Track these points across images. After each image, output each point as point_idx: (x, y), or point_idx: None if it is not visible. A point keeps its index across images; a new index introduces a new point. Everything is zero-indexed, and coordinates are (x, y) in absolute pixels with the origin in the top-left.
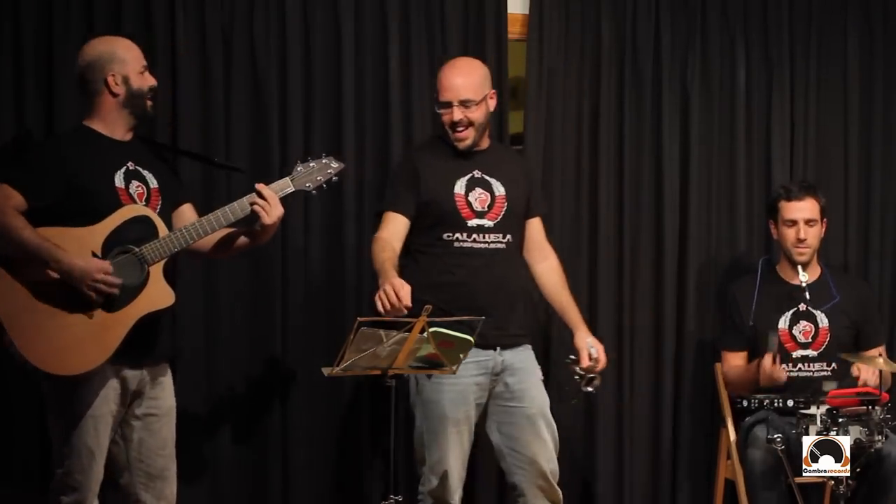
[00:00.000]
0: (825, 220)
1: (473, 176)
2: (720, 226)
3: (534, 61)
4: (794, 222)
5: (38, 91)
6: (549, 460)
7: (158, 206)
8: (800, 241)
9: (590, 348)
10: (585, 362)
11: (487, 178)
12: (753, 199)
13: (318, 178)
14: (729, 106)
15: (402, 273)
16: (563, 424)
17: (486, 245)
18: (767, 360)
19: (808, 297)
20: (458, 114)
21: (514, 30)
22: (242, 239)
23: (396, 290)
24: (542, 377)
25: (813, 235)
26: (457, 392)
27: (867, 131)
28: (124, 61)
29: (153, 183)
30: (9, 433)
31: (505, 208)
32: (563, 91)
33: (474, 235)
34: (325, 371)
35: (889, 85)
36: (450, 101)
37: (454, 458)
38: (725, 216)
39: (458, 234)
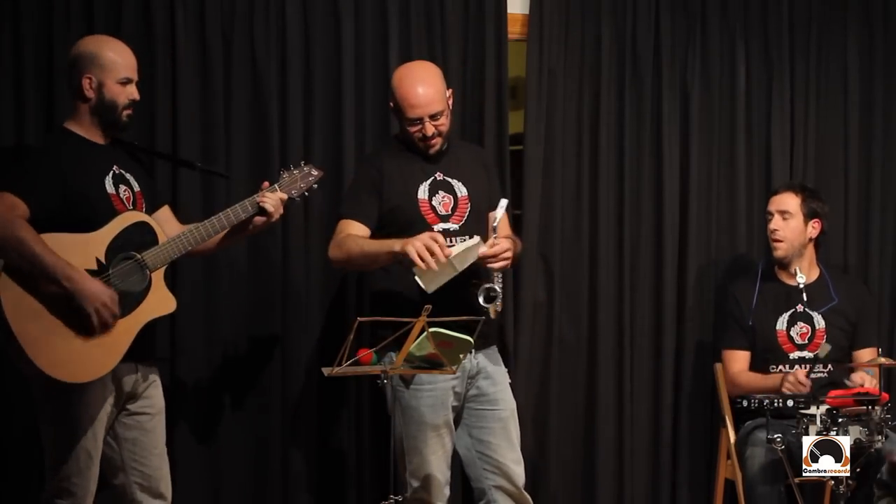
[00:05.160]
0: (817, 221)
1: (436, 179)
2: (720, 225)
3: (534, 61)
4: (771, 214)
5: (38, 91)
6: (517, 463)
7: (143, 210)
8: (771, 231)
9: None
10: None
11: (449, 179)
12: (753, 199)
13: (301, 186)
14: (729, 106)
15: (374, 280)
16: (563, 424)
17: None
18: (801, 376)
19: (805, 298)
20: (429, 128)
21: (514, 30)
22: (240, 231)
23: (436, 240)
24: (510, 380)
25: (788, 229)
26: (435, 397)
27: (867, 131)
28: (104, 67)
29: (136, 186)
30: (9, 433)
31: (468, 210)
32: (563, 91)
33: None
34: (325, 371)
35: (889, 85)
36: (420, 118)
37: (436, 462)
38: (725, 216)
39: None
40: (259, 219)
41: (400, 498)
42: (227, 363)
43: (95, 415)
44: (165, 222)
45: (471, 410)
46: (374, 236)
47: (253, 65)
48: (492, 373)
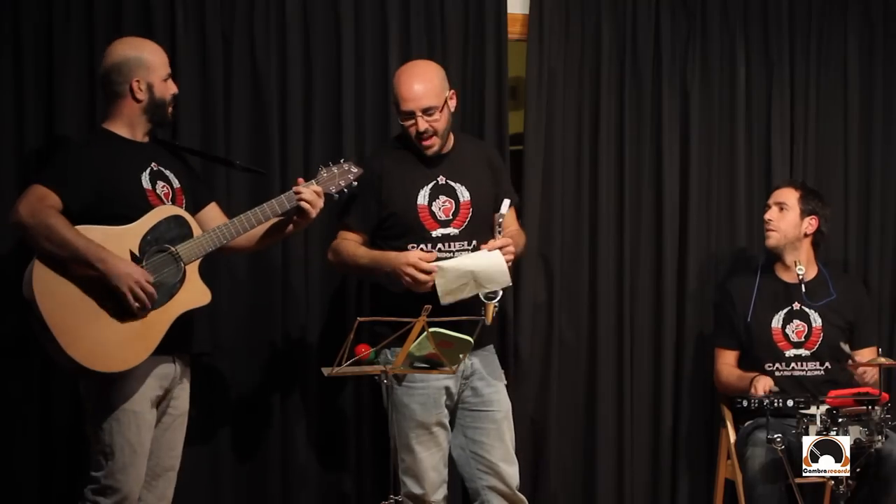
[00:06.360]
0: (814, 218)
1: (437, 183)
2: (720, 225)
3: (534, 61)
4: (768, 206)
5: (38, 91)
6: (510, 464)
7: (183, 206)
8: (766, 221)
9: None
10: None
11: (452, 183)
12: (753, 198)
13: (340, 183)
14: (729, 106)
15: (374, 280)
16: (563, 424)
17: (451, 254)
18: (763, 384)
19: (803, 291)
20: (422, 124)
21: (514, 30)
22: (279, 230)
23: (419, 266)
24: (506, 382)
25: (783, 220)
26: (426, 396)
27: (867, 131)
28: (150, 68)
29: (176, 183)
30: (9, 434)
31: (470, 214)
32: (563, 91)
33: (439, 245)
34: (325, 371)
35: (889, 85)
36: (412, 111)
37: (429, 460)
38: (725, 216)
39: (422, 245)
40: (298, 218)
41: (400, 498)
42: (228, 363)
43: (138, 407)
44: (214, 219)
45: (465, 411)
46: (373, 238)
47: (253, 65)
48: (487, 374)
